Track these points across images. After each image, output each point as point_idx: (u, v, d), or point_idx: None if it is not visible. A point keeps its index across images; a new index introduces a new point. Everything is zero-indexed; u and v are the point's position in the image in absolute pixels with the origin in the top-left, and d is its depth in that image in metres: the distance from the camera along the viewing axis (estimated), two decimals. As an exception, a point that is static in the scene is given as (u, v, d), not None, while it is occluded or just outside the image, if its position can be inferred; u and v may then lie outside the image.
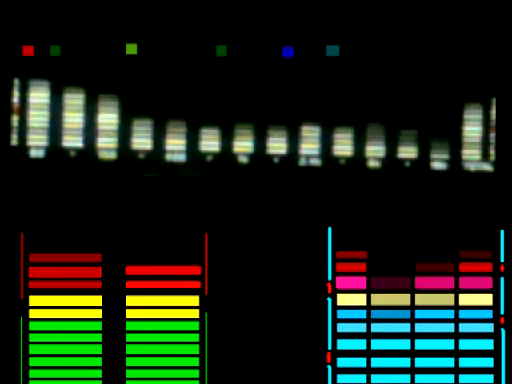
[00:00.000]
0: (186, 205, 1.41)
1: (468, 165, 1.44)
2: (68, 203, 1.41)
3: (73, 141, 1.42)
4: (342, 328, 1.41)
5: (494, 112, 1.43)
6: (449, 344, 1.40)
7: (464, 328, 1.41)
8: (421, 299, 1.41)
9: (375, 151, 1.43)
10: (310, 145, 1.43)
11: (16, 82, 1.41)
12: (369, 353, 1.41)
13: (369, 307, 1.41)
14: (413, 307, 1.41)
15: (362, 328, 1.41)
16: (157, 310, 1.40)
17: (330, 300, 1.41)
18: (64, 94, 1.42)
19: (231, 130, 1.43)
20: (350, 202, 1.41)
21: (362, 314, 1.41)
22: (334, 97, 1.43)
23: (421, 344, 1.40)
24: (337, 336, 1.41)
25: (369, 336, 1.40)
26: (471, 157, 1.44)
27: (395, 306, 1.41)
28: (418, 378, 1.40)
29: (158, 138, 1.43)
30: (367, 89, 1.43)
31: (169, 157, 1.43)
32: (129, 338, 1.40)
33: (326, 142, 1.43)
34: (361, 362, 1.41)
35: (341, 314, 1.41)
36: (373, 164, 1.43)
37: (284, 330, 1.41)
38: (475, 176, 1.43)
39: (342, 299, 1.41)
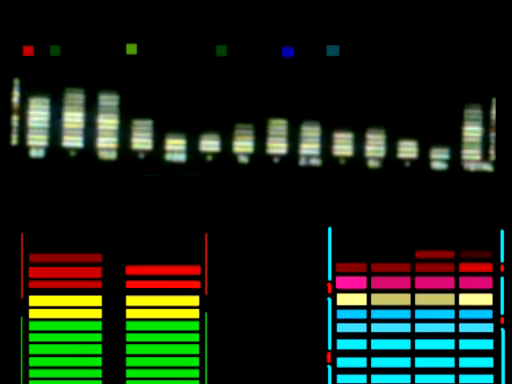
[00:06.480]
0: (186, 205, 1.41)
1: (468, 165, 1.44)
2: (68, 203, 1.41)
3: (73, 141, 1.42)
4: (341, 328, 1.41)
5: (493, 112, 1.43)
6: (449, 344, 1.40)
7: (464, 328, 1.41)
8: (421, 299, 1.41)
9: (375, 151, 1.43)
10: (310, 145, 1.43)
11: (16, 81, 1.41)
12: (369, 353, 1.41)
13: (369, 307, 1.41)
14: (413, 307, 1.41)
15: (361, 328, 1.41)
16: (157, 310, 1.40)
17: (330, 300, 1.41)
18: (64, 94, 1.42)
19: (231, 130, 1.43)
20: (350, 202, 1.41)
21: (362, 314, 1.41)
22: (334, 97, 1.43)
23: (421, 344, 1.40)
24: (337, 336, 1.41)
25: (369, 336, 1.41)
26: (471, 157, 1.44)
27: (395, 306, 1.41)
28: (418, 378, 1.40)
29: (158, 138, 1.43)
30: (367, 89, 1.43)
31: (169, 157, 1.43)
32: (129, 338, 1.41)
33: (326, 142, 1.43)
34: (361, 362, 1.41)
35: (341, 314, 1.41)
36: (373, 164, 1.43)
37: (284, 330, 1.41)
38: (475, 176, 1.43)
39: (342, 299, 1.41)
